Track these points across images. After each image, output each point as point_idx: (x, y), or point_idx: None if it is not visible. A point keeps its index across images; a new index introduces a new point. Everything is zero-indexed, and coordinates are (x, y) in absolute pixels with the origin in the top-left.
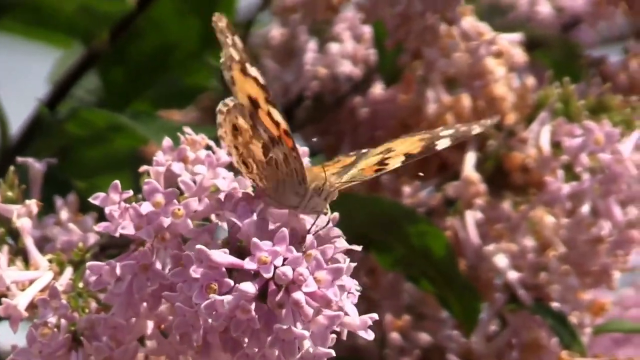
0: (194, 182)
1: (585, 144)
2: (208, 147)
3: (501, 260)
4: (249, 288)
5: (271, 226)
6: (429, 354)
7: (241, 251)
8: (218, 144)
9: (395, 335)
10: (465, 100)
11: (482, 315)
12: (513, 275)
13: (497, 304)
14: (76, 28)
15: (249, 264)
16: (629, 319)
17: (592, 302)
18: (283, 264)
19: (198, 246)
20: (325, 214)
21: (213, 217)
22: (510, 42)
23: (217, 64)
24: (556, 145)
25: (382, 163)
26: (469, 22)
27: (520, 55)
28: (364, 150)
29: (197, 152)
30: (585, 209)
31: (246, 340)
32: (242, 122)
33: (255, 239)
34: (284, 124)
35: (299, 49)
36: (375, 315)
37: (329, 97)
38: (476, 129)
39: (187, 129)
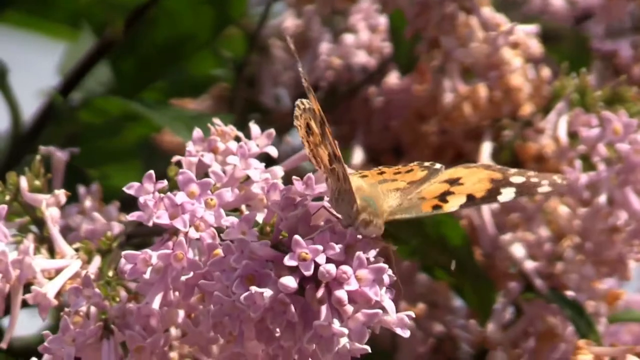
0: (224, 172)
1: (603, 134)
2: (237, 139)
3: (518, 250)
4: (290, 282)
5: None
6: (441, 343)
7: (280, 243)
8: None
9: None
10: (482, 91)
11: (497, 304)
12: (529, 265)
13: (513, 292)
14: (87, 18)
15: (289, 261)
16: None
17: (607, 291)
18: (327, 262)
19: (240, 236)
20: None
21: (243, 207)
22: (527, 33)
23: (229, 54)
24: (572, 135)
25: (442, 198)
26: (487, 11)
27: (536, 47)
28: (437, 166)
29: (227, 143)
30: (602, 198)
31: (278, 331)
32: (313, 125)
33: (296, 237)
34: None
35: (314, 40)
36: (411, 313)
37: (343, 87)
38: (545, 187)
39: (217, 120)
